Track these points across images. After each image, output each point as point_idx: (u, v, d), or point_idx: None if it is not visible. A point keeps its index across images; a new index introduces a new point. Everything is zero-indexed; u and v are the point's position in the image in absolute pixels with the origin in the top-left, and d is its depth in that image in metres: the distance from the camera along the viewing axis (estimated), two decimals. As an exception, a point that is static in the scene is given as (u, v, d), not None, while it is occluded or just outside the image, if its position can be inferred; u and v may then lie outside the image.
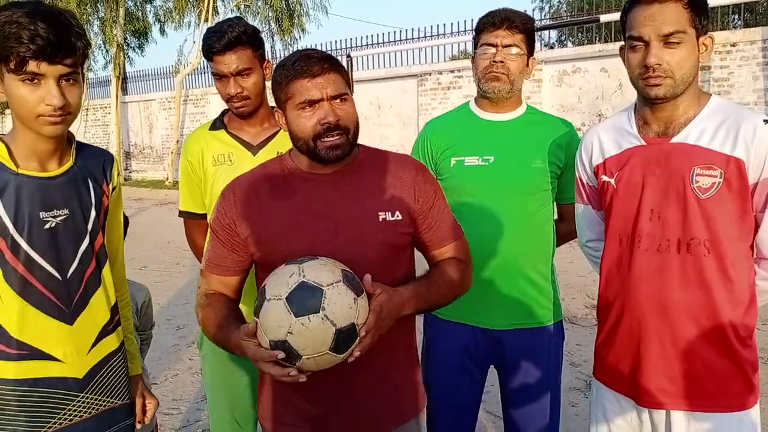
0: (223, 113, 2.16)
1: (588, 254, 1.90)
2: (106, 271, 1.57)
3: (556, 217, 2.11)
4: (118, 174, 1.64)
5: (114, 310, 1.59)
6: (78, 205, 1.48)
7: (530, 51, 1.97)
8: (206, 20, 16.44)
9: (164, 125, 17.70)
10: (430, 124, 2.16)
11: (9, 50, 1.28)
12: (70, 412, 1.50)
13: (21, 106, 1.34)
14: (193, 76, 16.88)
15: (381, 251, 1.43)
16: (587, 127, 10.07)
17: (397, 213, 1.45)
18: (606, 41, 11.39)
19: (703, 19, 1.49)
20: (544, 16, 19.52)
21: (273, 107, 2.16)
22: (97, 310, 1.53)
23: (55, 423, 1.48)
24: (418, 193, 1.49)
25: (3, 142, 1.42)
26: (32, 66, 1.30)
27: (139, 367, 1.78)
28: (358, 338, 1.25)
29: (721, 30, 10.03)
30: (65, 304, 1.46)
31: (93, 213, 1.51)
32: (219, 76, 1.99)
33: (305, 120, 1.37)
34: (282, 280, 1.24)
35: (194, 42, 16.38)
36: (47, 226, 1.42)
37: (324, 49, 13.92)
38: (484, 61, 1.94)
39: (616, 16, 7.79)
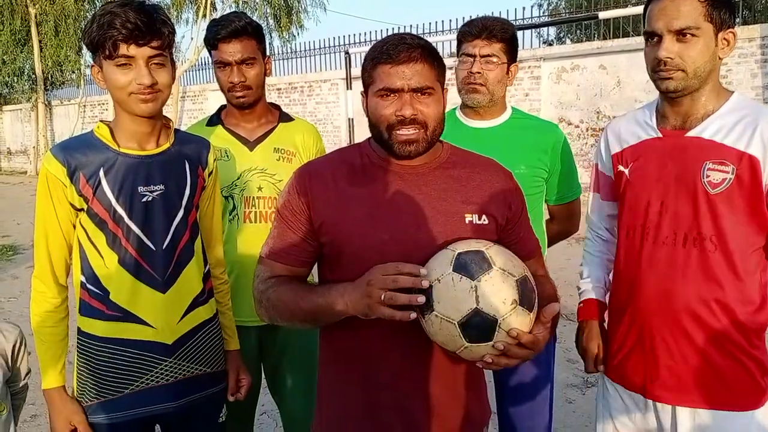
0: (220, 109, 2.15)
1: (587, 237, 1.88)
2: (198, 243, 1.68)
3: (547, 217, 2.13)
4: (215, 160, 1.76)
5: (206, 280, 1.70)
6: (173, 182, 1.61)
7: (511, 58, 1.97)
8: (204, 16, 16.39)
9: (162, 122, 17.61)
10: None
11: (104, 38, 1.45)
12: (158, 374, 1.61)
13: (117, 89, 1.50)
14: (190, 72, 16.84)
15: None
16: (585, 124, 10.07)
17: (484, 217, 1.34)
18: (605, 38, 11.37)
19: (723, 13, 1.47)
20: (543, 12, 19.48)
21: (271, 103, 2.17)
22: (189, 281, 1.64)
23: (141, 383, 1.59)
24: (510, 200, 1.40)
25: (107, 126, 1.59)
26: (123, 49, 1.46)
27: (237, 343, 1.85)
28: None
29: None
30: (159, 273, 1.57)
31: (188, 191, 1.64)
32: (222, 65, 1.98)
33: (382, 108, 1.29)
34: (453, 296, 1.16)
35: (192, 38, 16.40)
36: (144, 199, 1.56)
37: (322, 46, 13.97)
38: (462, 71, 1.98)
39: (614, 12, 7.78)
